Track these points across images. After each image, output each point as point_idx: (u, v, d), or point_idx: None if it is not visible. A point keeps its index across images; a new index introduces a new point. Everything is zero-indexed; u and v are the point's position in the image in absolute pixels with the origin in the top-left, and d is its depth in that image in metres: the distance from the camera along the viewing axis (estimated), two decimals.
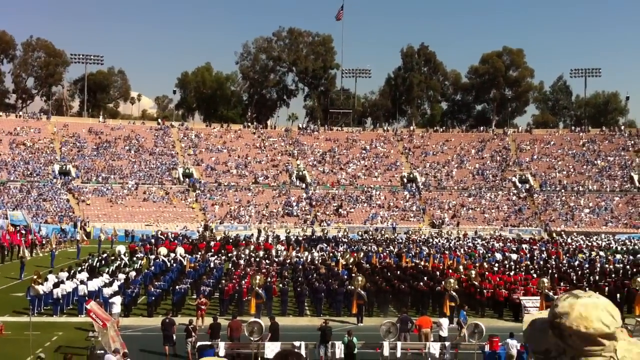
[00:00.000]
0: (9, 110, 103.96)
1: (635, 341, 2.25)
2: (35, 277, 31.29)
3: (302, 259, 46.50)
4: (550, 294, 29.96)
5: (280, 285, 33.81)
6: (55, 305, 30.41)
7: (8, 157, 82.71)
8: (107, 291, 30.95)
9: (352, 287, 31.01)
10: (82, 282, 32.18)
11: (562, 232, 74.89)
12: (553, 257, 51.19)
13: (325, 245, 57.59)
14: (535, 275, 37.80)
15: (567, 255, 53.72)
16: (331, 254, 50.19)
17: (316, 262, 44.81)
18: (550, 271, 40.45)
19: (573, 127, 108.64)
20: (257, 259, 45.07)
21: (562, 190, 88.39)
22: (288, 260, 46.66)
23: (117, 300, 28.55)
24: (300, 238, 62.92)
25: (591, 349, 2.15)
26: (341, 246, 57.56)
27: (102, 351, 21.42)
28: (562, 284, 34.94)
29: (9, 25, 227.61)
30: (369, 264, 43.98)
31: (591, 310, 2.14)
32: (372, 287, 32.37)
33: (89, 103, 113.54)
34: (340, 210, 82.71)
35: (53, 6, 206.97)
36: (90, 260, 40.91)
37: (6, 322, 27.43)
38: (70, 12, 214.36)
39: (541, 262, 47.29)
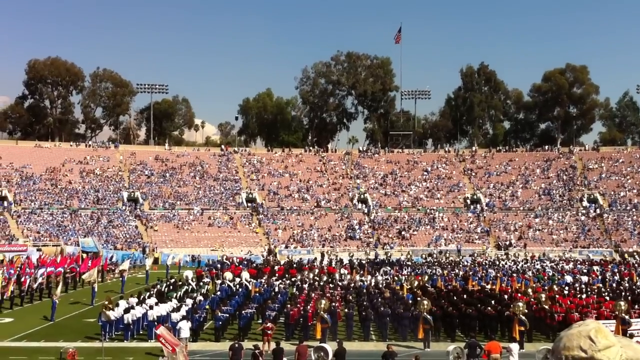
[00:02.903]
0: (79, 139, 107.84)
1: (628, 342, 2.27)
2: (106, 302, 32.01)
3: (365, 283, 46.24)
4: (627, 317, 28.92)
5: (345, 309, 33.66)
6: (126, 330, 31.06)
7: (79, 185, 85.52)
8: (175, 316, 31.40)
9: (418, 312, 30.63)
10: (151, 307, 32.77)
11: (635, 253, 72.32)
12: (626, 278, 49.45)
13: (389, 268, 57.12)
14: (608, 298, 36.55)
15: None
16: (395, 278, 49.76)
17: (380, 285, 44.50)
18: (623, 294, 39.05)
19: None
20: (321, 283, 45.05)
21: (633, 210, 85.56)
22: (352, 284, 46.46)
23: (185, 325, 28.94)
24: (364, 262, 62.66)
25: None
26: (405, 269, 57.00)
27: None
28: (636, 306, 33.69)
29: (77, 58, 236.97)
30: (434, 288, 43.38)
31: (573, 339, 2.20)
32: (439, 312, 31.87)
33: (155, 131, 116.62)
34: (403, 233, 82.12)
35: (119, 38, 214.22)
36: (158, 286, 41.66)
37: (79, 348, 28.12)
38: (135, 44, 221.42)
39: (614, 285, 45.73)
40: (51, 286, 45.44)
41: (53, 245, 70.38)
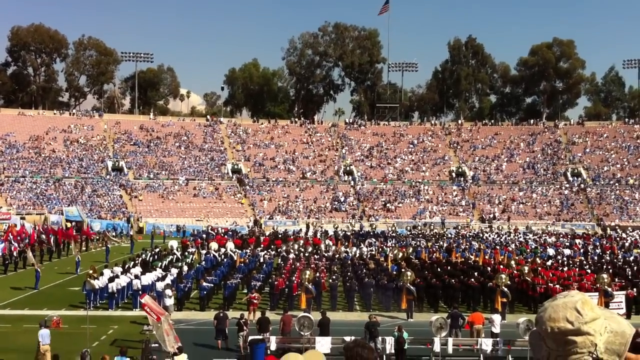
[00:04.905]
0: (63, 108, 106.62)
1: (610, 314, 2.28)
2: (90, 271, 32.04)
3: (350, 254, 46.51)
4: (609, 289, 29.35)
5: (330, 280, 33.90)
6: (111, 299, 31.13)
7: (63, 154, 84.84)
8: (160, 285, 31.49)
9: (402, 283, 30.90)
10: (136, 276, 32.82)
11: (617, 227, 73.15)
12: (607, 252, 50.10)
13: (374, 240, 57.48)
14: (589, 271, 37.04)
15: (622, 250, 52.53)
16: (380, 249, 50.08)
17: (365, 257, 44.79)
18: (605, 267, 39.57)
19: (626, 119, 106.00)
20: (306, 254, 45.27)
21: (616, 184, 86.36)
22: (337, 256, 46.74)
23: (169, 293, 29.01)
24: (349, 233, 62.95)
25: (565, 349, 2.17)
26: (390, 241, 57.35)
27: (157, 344, 21.85)
28: (617, 279, 34.16)
29: (61, 25, 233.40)
30: (418, 259, 43.72)
31: (559, 310, 2.19)
32: (422, 283, 32.18)
33: (140, 100, 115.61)
34: (388, 205, 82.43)
35: (104, 5, 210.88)
36: (143, 255, 41.69)
37: (64, 316, 28.17)
38: (120, 11, 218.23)
39: (595, 258, 46.33)
40: (35, 254, 45.23)
41: (37, 214, 69.99)
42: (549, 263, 41.66)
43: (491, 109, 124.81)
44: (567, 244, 56.55)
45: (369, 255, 45.66)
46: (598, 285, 30.06)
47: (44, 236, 50.60)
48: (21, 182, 77.48)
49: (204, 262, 41.24)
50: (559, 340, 2.17)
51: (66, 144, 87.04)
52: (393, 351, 22.60)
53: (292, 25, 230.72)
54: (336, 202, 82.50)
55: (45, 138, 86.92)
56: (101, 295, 31.89)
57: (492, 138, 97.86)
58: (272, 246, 52.09)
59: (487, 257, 46.11)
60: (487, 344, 23.13)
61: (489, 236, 63.09)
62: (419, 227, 72.37)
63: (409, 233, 66.85)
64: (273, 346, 22.84)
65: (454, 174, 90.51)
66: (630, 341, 2.20)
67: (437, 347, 22.77)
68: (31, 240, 48.88)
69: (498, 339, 23.73)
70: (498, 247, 51.72)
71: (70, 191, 77.61)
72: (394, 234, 64.10)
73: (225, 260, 42.05)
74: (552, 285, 31.97)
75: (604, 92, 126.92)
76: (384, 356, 22.95)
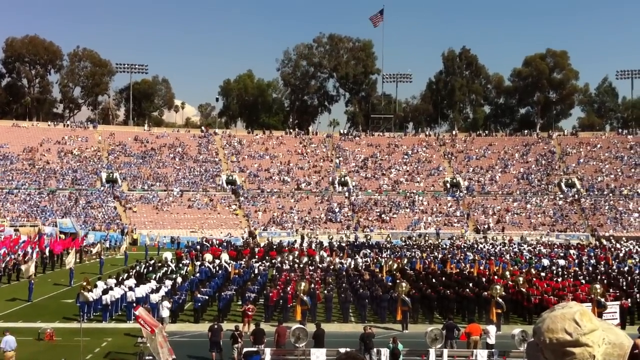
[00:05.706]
0: (57, 119, 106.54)
1: (608, 326, 2.28)
2: (84, 283, 31.89)
3: (345, 265, 46.42)
4: (602, 300, 29.35)
5: (325, 291, 33.82)
6: (105, 311, 30.97)
7: (57, 165, 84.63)
8: (154, 297, 31.36)
9: (397, 294, 30.84)
10: (130, 288, 32.68)
11: (611, 237, 73.22)
12: (602, 262, 50.14)
13: (369, 251, 57.38)
14: (583, 282, 37.07)
15: (617, 260, 52.55)
16: (375, 260, 50.02)
17: (360, 268, 44.71)
18: (599, 277, 39.60)
19: (620, 130, 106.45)
20: (301, 265, 45.16)
21: (610, 194, 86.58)
22: (332, 267, 46.63)
23: (167, 304, 28.90)
24: (344, 244, 62.85)
25: None
26: (384, 252, 57.28)
27: (151, 357, 21.71)
28: (611, 290, 34.18)
29: (55, 36, 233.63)
30: (413, 270, 43.69)
31: (557, 321, 2.19)
32: (417, 294, 32.13)
33: (134, 112, 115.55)
34: (383, 216, 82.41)
35: (98, 17, 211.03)
36: (137, 267, 41.52)
37: (57, 329, 28.00)
38: (115, 23, 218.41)
39: (590, 268, 46.37)
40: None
41: (31, 226, 69.74)
42: (543, 274, 41.66)
43: (485, 120, 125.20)
44: (562, 254, 56.57)
45: (363, 267, 45.59)
46: (592, 295, 30.06)
47: (38, 248, 50.31)
48: (15, 194, 77.22)
49: (198, 274, 41.07)
50: (557, 352, 2.16)
51: (60, 155, 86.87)
52: None
53: (287, 37, 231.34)
54: (331, 213, 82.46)
55: (40, 149, 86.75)
56: (95, 308, 31.72)
57: (486, 149, 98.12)
58: (267, 257, 51.96)
59: (481, 267, 46.14)
60: (482, 355, 23.09)
61: (484, 247, 63.06)
62: (414, 238, 72.29)
63: (403, 244, 66.78)
64: (267, 358, 22.73)
65: (448, 185, 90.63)
66: (628, 353, 2.20)
67: (432, 359, 22.73)
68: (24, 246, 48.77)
69: (493, 350, 23.70)
70: (493, 258, 51.72)
71: (64, 203, 77.38)
72: (388, 245, 63.99)
73: (219, 271, 41.91)
74: (546, 296, 32.01)
75: (598, 103, 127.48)
76: None
